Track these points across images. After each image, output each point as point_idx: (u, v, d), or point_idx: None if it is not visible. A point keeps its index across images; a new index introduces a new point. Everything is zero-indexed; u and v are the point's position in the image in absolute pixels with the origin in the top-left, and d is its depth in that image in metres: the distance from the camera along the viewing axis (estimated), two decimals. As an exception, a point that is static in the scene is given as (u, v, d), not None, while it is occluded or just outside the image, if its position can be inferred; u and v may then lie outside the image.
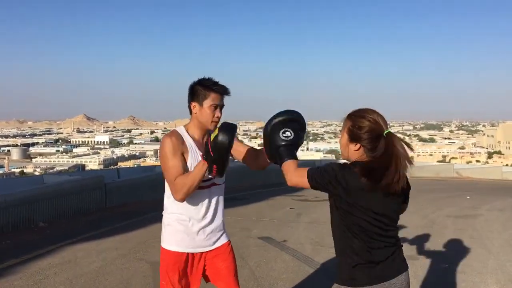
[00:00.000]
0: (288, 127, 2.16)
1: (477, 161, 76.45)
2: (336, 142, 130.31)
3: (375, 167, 1.88)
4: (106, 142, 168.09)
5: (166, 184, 2.51)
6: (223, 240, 2.65)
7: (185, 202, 2.47)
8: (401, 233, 7.12)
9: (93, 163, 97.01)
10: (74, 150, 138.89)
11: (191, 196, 2.45)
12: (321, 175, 1.94)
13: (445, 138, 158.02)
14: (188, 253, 2.53)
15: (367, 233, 1.93)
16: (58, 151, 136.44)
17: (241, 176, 12.94)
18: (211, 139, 2.25)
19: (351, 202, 1.91)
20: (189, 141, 2.48)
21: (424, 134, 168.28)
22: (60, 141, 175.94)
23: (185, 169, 2.43)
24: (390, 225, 1.98)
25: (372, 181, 1.86)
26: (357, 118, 1.97)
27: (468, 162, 59.88)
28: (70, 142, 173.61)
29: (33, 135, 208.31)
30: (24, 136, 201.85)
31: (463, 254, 5.67)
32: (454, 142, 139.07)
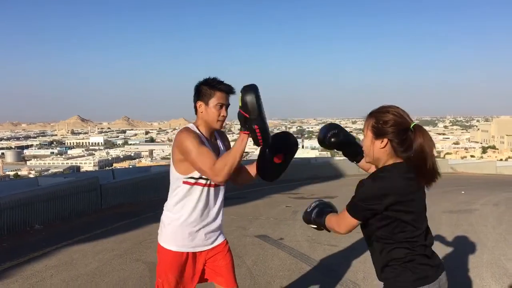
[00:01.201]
0: (314, 204, 2.22)
1: (472, 156, 76.68)
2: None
3: (416, 164, 1.85)
4: (101, 143, 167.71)
5: (174, 183, 2.54)
6: (221, 239, 2.68)
7: (186, 202, 2.50)
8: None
9: (88, 165, 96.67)
10: (69, 151, 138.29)
11: (196, 196, 2.49)
12: (362, 204, 1.86)
13: (440, 134, 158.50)
14: (187, 253, 2.55)
15: (412, 234, 1.89)
16: (53, 153, 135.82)
17: (236, 175, 12.93)
18: (240, 105, 2.23)
19: (397, 209, 1.85)
20: (203, 138, 2.49)
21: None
22: (55, 143, 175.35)
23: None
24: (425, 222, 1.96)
25: (417, 180, 1.86)
26: (380, 114, 1.91)
27: (462, 157, 60.06)
28: (64, 143, 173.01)
29: (27, 137, 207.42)
30: (18, 138, 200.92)
31: (458, 248, 5.71)
32: (448, 138, 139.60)
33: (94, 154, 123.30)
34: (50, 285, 4.58)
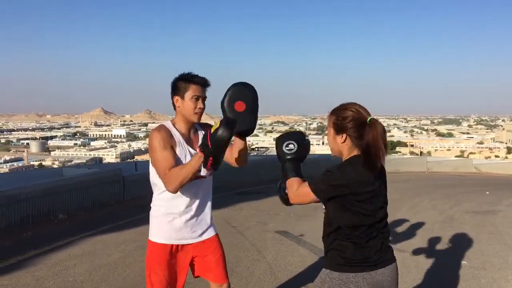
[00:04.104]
0: (291, 138, 2.21)
1: (496, 156, 75.20)
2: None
3: (367, 152, 1.96)
4: (123, 135, 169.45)
5: (153, 178, 2.57)
6: (211, 233, 2.69)
7: (168, 196, 2.51)
8: (418, 229, 7.01)
9: (110, 157, 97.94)
10: (92, 143, 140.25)
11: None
12: (324, 183, 1.98)
13: (464, 133, 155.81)
14: (173, 245, 2.58)
15: (362, 223, 2.00)
16: (76, 144, 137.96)
17: (257, 170, 12.95)
18: (211, 132, 2.26)
19: (352, 197, 1.97)
20: (177, 136, 2.53)
21: (442, 128, 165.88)
22: (78, 134, 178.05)
23: (176, 161, 2.45)
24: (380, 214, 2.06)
25: (368, 167, 1.96)
26: (339, 111, 2.05)
27: (487, 158, 59.00)
28: (87, 135, 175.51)
29: (51, 128, 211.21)
30: (42, 129, 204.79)
31: (482, 250, 5.61)
32: (472, 137, 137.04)
33: (116, 146, 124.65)
34: (74, 274, 4.66)
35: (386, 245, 2.07)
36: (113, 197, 8.97)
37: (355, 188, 1.96)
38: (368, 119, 1.99)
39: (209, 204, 2.69)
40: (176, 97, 2.53)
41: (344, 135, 2.03)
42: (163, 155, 2.43)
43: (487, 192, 11.45)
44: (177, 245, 2.59)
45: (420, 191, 11.60)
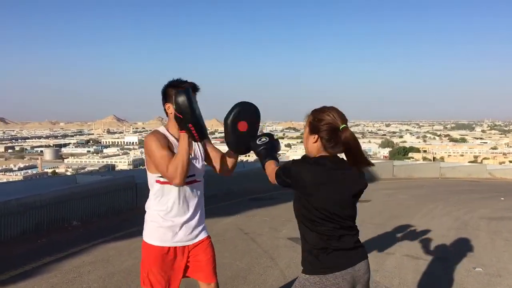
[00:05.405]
0: (264, 134, 2.54)
1: (510, 161, 74.25)
2: (363, 142, 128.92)
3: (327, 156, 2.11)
4: (135, 142, 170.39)
5: (150, 181, 2.65)
6: (204, 235, 2.75)
7: (163, 200, 2.59)
8: (433, 236, 6.92)
9: (122, 163, 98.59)
10: (105, 150, 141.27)
11: (173, 193, 2.57)
12: (284, 171, 2.14)
13: (477, 138, 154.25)
14: (170, 247, 2.63)
15: (324, 224, 2.08)
16: (89, 151, 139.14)
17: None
18: (175, 108, 2.40)
19: (308, 194, 2.07)
20: (172, 140, 2.59)
21: (455, 134, 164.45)
22: (91, 141, 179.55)
23: None
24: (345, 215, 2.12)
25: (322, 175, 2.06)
26: (318, 112, 2.15)
27: (501, 163, 58.28)
28: (100, 142, 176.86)
29: (65, 136, 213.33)
30: (56, 137, 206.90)
31: (498, 256, 5.54)
32: (486, 142, 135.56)
33: (129, 153, 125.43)
34: (88, 281, 4.69)
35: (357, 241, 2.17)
36: (126, 204, 9.01)
37: (307, 185, 2.05)
38: (341, 127, 2.08)
39: (202, 206, 2.76)
40: (168, 104, 2.58)
41: (316, 136, 2.12)
42: (162, 154, 2.48)
43: (502, 198, 11.32)
44: (175, 247, 2.64)
45: (434, 197, 11.50)
